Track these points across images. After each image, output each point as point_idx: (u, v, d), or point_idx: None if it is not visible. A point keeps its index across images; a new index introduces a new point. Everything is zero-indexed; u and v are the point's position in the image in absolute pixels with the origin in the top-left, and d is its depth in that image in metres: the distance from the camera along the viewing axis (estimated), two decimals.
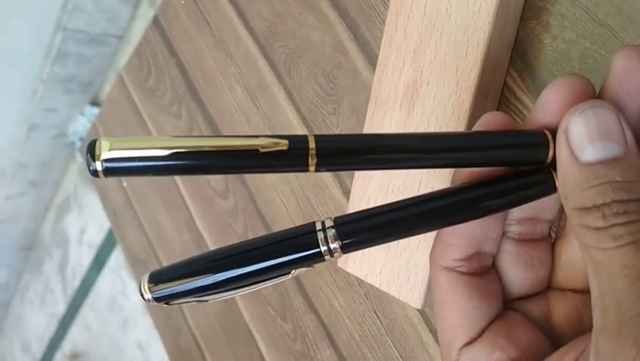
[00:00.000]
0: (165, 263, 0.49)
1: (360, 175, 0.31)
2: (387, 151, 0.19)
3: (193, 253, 0.46)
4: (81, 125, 1.63)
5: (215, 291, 0.19)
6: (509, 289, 0.23)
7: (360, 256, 0.31)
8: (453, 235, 0.22)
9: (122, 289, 1.62)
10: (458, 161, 0.20)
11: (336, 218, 0.19)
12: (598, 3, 0.26)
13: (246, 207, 0.42)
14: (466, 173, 0.20)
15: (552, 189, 0.19)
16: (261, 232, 0.41)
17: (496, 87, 0.28)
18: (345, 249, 0.19)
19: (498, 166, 0.20)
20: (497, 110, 0.29)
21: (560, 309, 0.22)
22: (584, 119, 0.18)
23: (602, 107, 0.18)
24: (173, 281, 0.19)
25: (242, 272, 0.19)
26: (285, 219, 0.39)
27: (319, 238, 0.19)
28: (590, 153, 0.17)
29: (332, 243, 0.19)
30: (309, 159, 0.18)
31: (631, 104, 0.18)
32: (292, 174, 0.39)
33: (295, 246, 0.19)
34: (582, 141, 0.17)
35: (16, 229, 1.87)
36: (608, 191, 0.17)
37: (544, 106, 0.19)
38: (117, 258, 1.62)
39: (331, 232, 0.19)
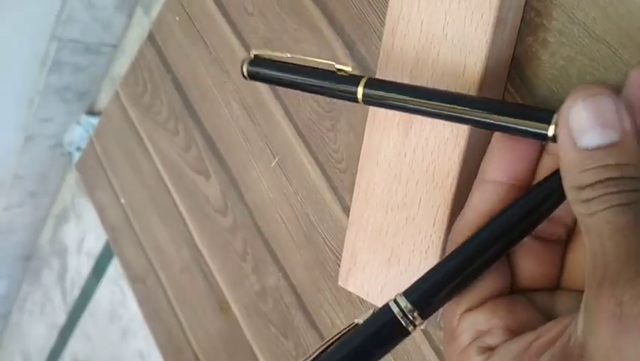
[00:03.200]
0: (164, 280, 0.49)
1: (359, 193, 0.31)
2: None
3: (193, 270, 0.46)
4: (78, 134, 1.62)
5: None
6: (518, 279, 0.24)
7: (361, 275, 0.31)
8: (476, 213, 0.24)
9: (122, 298, 1.61)
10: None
11: (405, 292, 0.22)
12: (595, 19, 0.26)
13: (245, 224, 0.42)
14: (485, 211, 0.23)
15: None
16: (261, 250, 0.41)
17: None
18: (425, 317, 0.22)
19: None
20: None
21: (564, 306, 0.23)
22: (583, 107, 0.19)
23: (601, 95, 0.19)
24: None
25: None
26: (285, 236, 0.39)
27: (398, 316, 0.22)
28: (587, 139, 0.19)
29: (412, 317, 0.22)
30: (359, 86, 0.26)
31: None
32: (290, 190, 0.39)
33: (379, 334, 0.22)
34: (581, 127, 0.19)
35: (14, 240, 1.87)
36: (602, 172, 0.18)
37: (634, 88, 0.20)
38: (116, 267, 1.62)
39: (407, 307, 0.22)
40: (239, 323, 0.43)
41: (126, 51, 1.52)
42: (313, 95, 0.37)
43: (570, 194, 0.19)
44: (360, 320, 0.23)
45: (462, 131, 0.27)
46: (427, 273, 0.23)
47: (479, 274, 0.22)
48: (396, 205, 0.29)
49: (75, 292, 1.82)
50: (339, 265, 0.36)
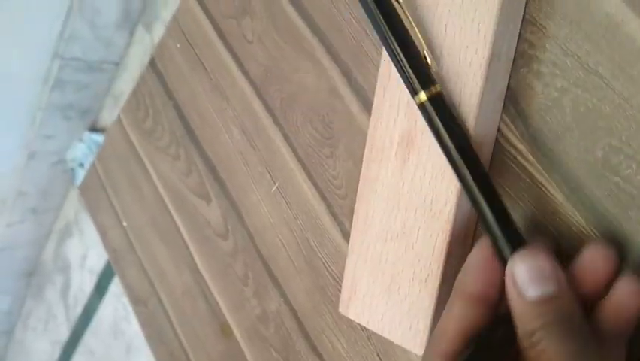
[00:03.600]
0: (166, 303, 0.49)
1: (358, 221, 0.32)
2: None
3: (194, 293, 0.46)
4: (80, 151, 1.63)
5: None
6: None
7: (361, 303, 0.31)
8: (453, 328, 0.26)
9: (125, 314, 1.61)
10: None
11: None
12: (589, 52, 0.26)
13: (245, 248, 0.42)
14: None
15: None
16: (262, 274, 0.41)
17: (489, 135, 0.28)
18: None
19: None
20: (492, 157, 0.29)
21: None
22: (525, 265, 0.24)
23: (538, 255, 0.24)
24: None
25: None
26: (285, 260, 0.39)
27: None
28: (531, 291, 0.23)
29: None
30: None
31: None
32: (290, 215, 0.39)
33: None
34: (524, 281, 0.23)
35: (17, 256, 1.87)
36: (545, 318, 0.23)
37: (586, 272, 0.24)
38: (119, 283, 1.62)
39: None
40: (240, 347, 0.43)
41: (128, 68, 1.54)
42: (311, 123, 0.37)
43: (521, 339, 0.23)
44: None
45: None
46: None
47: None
48: (395, 234, 0.30)
49: (78, 309, 1.82)
50: (339, 291, 0.37)
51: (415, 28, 0.27)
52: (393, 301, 0.30)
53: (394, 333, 0.30)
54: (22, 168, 1.60)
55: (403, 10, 0.27)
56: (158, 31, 1.45)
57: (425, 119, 0.27)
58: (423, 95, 0.26)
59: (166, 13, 1.43)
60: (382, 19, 0.27)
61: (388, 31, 0.27)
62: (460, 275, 0.26)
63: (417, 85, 0.26)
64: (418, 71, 0.26)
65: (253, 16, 0.39)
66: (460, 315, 0.25)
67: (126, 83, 1.55)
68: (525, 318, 0.23)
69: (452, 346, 0.25)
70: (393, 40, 0.27)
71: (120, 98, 1.57)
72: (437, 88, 0.26)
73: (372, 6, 0.27)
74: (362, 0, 0.28)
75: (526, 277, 0.23)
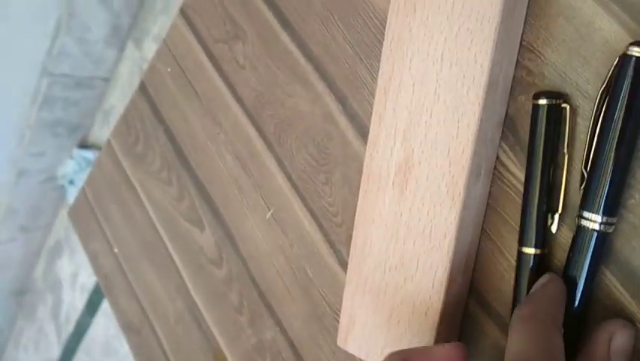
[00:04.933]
0: (159, 331, 0.48)
1: (356, 251, 0.31)
2: None
3: (188, 321, 0.45)
4: (70, 168, 1.62)
5: None
6: None
7: (360, 336, 0.31)
8: None
9: (117, 332, 1.59)
10: None
11: None
12: (588, 79, 0.26)
13: (240, 275, 0.41)
14: None
15: None
16: (257, 302, 0.40)
17: (488, 163, 0.28)
18: None
19: None
20: (491, 185, 0.28)
21: None
22: (624, 338, 0.24)
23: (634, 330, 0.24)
24: None
25: None
26: (281, 289, 0.39)
27: None
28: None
29: None
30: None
31: None
32: (286, 242, 0.38)
33: None
34: (618, 352, 0.24)
35: (7, 275, 1.84)
36: None
37: None
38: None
39: None
40: None
41: (118, 84, 1.53)
42: (306, 148, 0.36)
43: None
44: None
45: (457, 193, 0.27)
46: None
47: None
48: (394, 265, 0.29)
49: (70, 327, 1.79)
50: (337, 320, 0.36)
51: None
52: (393, 334, 0.29)
53: None
54: (12, 186, 1.58)
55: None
56: (148, 46, 1.44)
57: (520, 267, 0.26)
58: (529, 250, 0.26)
59: (155, 29, 1.42)
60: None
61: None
62: (544, 306, 0.25)
63: (530, 239, 0.26)
64: (539, 228, 0.26)
65: (245, 41, 0.39)
66: (561, 345, 0.24)
67: (116, 98, 1.54)
68: None
69: None
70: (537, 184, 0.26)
71: (110, 114, 1.56)
72: (544, 251, 0.26)
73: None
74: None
75: (621, 349, 0.24)
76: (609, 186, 0.23)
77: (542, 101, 0.25)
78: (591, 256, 0.24)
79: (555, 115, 0.25)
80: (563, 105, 0.25)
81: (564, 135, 0.26)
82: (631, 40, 0.24)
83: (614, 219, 0.24)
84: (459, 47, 0.26)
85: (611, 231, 0.24)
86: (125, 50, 1.49)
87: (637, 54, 0.23)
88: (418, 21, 0.27)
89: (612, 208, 0.24)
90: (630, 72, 0.23)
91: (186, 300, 0.45)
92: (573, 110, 0.26)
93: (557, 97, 0.25)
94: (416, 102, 0.27)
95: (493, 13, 0.25)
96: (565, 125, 0.25)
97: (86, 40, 1.41)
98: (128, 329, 0.51)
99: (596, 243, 0.24)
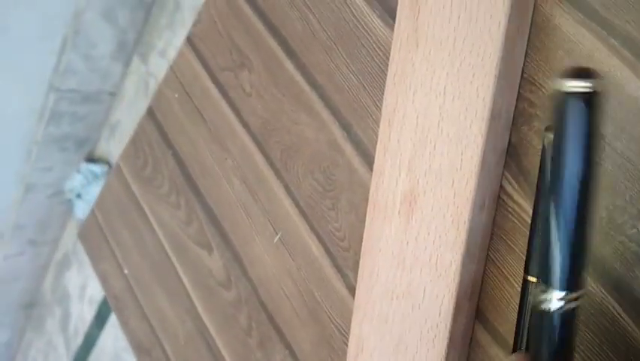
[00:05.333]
0: (170, 352, 0.49)
1: (363, 279, 0.31)
2: None
3: (197, 343, 0.46)
4: (77, 182, 1.63)
5: None
6: None
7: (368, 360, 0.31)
8: None
9: (126, 344, 1.59)
10: None
11: None
12: None
13: (249, 299, 0.42)
14: None
15: None
16: (266, 325, 0.41)
17: (492, 193, 0.28)
18: None
19: None
20: (496, 214, 0.29)
21: None
22: None
23: None
24: None
25: None
26: (289, 312, 0.39)
27: None
28: None
29: None
30: None
31: None
32: (293, 266, 0.39)
33: None
34: None
35: (16, 288, 1.86)
36: None
37: None
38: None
39: None
40: None
41: (124, 98, 1.54)
42: (312, 174, 0.37)
43: None
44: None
45: (462, 222, 0.27)
46: None
47: None
48: (401, 293, 0.30)
49: (78, 340, 1.80)
50: (345, 343, 0.36)
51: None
52: (401, 360, 0.30)
53: None
54: (20, 201, 1.60)
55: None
56: (154, 61, 1.45)
57: (524, 295, 0.25)
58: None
59: (161, 44, 1.44)
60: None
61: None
62: None
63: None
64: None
65: (251, 69, 0.39)
66: None
67: (123, 112, 1.55)
68: None
69: None
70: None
71: (116, 128, 1.57)
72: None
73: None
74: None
75: None
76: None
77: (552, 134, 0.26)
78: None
79: None
80: None
81: None
82: (631, 75, 0.25)
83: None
84: (461, 81, 0.27)
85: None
86: (131, 65, 1.51)
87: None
88: (420, 56, 0.28)
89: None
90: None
91: (196, 321, 0.46)
92: None
93: None
94: (420, 134, 0.28)
95: (494, 49, 0.26)
96: None
97: (92, 56, 1.42)
98: (139, 349, 0.52)
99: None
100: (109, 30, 1.41)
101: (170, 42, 1.41)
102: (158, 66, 1.43)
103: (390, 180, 0.29)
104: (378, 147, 0.30)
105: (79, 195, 1.65)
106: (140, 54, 1.48)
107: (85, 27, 1.35)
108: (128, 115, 1.52)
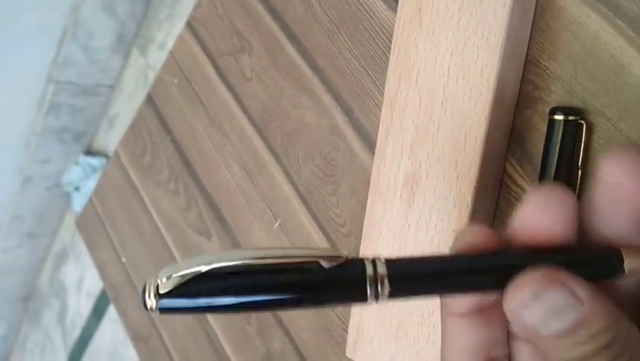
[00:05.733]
0: (168, 341, 0.48)
1: None
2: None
3: (196, 331, 0.46)
4: (76, 174, 1.62)
5: (231, 312, 0.18)
6: None
7: (368, 347, 0.31)
8: (458, 351, 0.21)
9: (123, 338, 1.59)
10: None
11: (387, 260, 0.18)
12: (594, 93, 0.26)
13: None
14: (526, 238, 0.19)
15: (621, 272, 0.18)
16: (266, 313, 0.40)
17: (496, 177, 0.28)
18: (393, 296, 0.18)
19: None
20: (498, 198, 0.29)
21: None
22: (534, 309, 0.18)
23: (550, 288, 0.17)
24: (184, 297, 0.17)
25: (269, 299, 0.17)
26: (299, 316, 0.39)
27: (368, 277, 0.17)
28: (549, 329, 0.18)
29: (381, 286, 0.17)
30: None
31: (619, 216, 0.18)
32: None
33: (339, 282, 0.18)
34: (537, 323, 0.18)
35: (13, 281, 1.85)
36: (578, 350, 0.17)
37: (522, 227, 0.19)
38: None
39: (382, 273, 0.17)
40: None
41: (123, 91, 1.53)
42: (313, 160, 0.37)
43: None
44: (325, 263, 0.18)
45: (465, 204, 0.27)
46: (420, 257, 0.20)
47: (472, 287, 0.19)
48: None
49: (76, 333, 1.80)
50: (345, 330, 0.36)
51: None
52: (402, 345, 0.30)
53: None
54: (18, 193, 1.59)
55: None
56: (153, 54, 1.45)
57: None
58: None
59: (160, 36, 1.43)
60: None
61: None
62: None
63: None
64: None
65: (251, 53, 0.39)
66: (456, 336, 0.21)
67: (121, 105, 1.55)
68: (549, 352, 0.18)
69: None
70: None
71: (115, 121, 1.57)
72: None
73: None
74: None
75: (540, 318, 0.18)
76: None
77: (559, 117, 0.25)
78: None
79: (571, 131, 0.25)
80: (580, 121, 0.26)
81: (579, 151, 0.26)
82: (636, 55, 0.24)
83: None
84: (465, 62, 0.26)
85: None
86: (130, 57, 1.50)
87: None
88: (424, 36, 0.27)
89: None
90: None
91: None
92: (589, 127, 0.26)
93: (574, 113, 0.25)
94: (423, 116, 0.28)
95: (499, 28, 0.25)
96: (580, 141, 0.26)
97: (91, 48, 1.42)
98: (137, 338, 0.51)
99: None
100: (108, 22, 1.40)
101: (169, 34, 1.40)
102: (158, 59, 1.42)
103: (392, 163, 0.29)
104: (380, 129, 0.29)
105: (77, 188, 1.64)
106: (139, 46, 1.47)
107: (84, 18, 1.35)
108: (127, 108, 1.52)
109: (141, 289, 0.17)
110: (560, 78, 0.27)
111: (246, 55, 0.39)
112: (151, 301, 0.17)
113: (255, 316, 0.41)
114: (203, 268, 0.17)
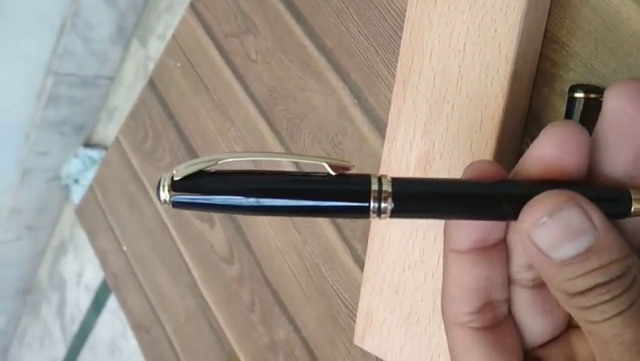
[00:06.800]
0: (169, 330, 0.48)
1: (374, 248, 0.30)
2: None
3: (198, 320, 0.45)
4: (75, 167, 1.61)
5: (241, 213, 0.18)
6: (530, 337, 0.22)
7: (378, 334, 0.30)
8: (459, 288, 0.21)
9: (122, 331, 1.59)
10: None
11: (394, 179, 0.18)
12: (615, 71, 0.25)
13: (252, 273, 0.40)
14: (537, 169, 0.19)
15: (627, 212, 0.18)
16: (269, 300, 0.39)
17: (511, 158, 0.27)
18: (395, 214, 0.18)
19: None
20: None
21: (583, 350, 0.21)
22: (549, 227, 0.17)
23: (567, 208, 0.17)
24: (196, 192, 0.18)
25: (279, 204, 0.18)
26: (294, 287, 0.38)
27: (372, 192, 0.18)
28: (561, 253, 0.17)
29: (384, 203, 0.18)
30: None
31: (624, 147, 0.18)
32: (299, 239, 0.38)
33: (344, 191, 0.18)
34: (550, 245, 0.17)
35: (12, 274, 1.84)
36: (589, 279, 0.17)
37: (534, 161, 0.18)
38: (116, 300, 1.60)
39: (387, 190, 0.18)
40: None
41: (123, 83, 1.52)
42: (320, 144, 0.36)
43: (560, 298, 0.18)
44: (331, 171, 0.18)
45: None
46: (427, 178, 0.20)
47: (477, 212, 0.19)
48: (413, 261, 0.28)
49: (75, 326, 1.79)
50: (352, 318, 0.35)
51: None
52: (413, 332, 0.29)
53: None
54: (17, 185, 1.58)
55: None
56: (153, 45, 1.43)
57: None
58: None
59: (160, 27, 1.42)
60: None
61: None
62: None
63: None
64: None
65: (257, 35, 0.38)
66: (460, 273, 0.21)
67: (121, 97, 1.54)
68: (556, 280, 0.18)
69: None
70: None
71: (115, 113, 1.56)
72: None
73: None
74: None
75: (553, 239, 0.17)
76: None
77: (579, 95, 0.24)
78: None
79: (591, 109, 0.25)
80: (601, 99, 0.25)
81: None
82: None
83: None
84: (482, 38, 0.25)
85: None
86: (130, 49, 1.49)
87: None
88: (439, 11, 0.26)
89: None
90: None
91: (197, 298, 0.45)
92: None
93: (594, 91, 0.25)
94: (437, 95, 0.27)
95: (518, 2, 0.24)
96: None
97: (91, 39, 1.41)
98: (137, 327, 0.51)
99: None
100: (108, 12, 1.39)
101: (169, 25, 1.39)
102: (158, 50, 1.41)
103: (404, 144, 0.28)
104: (392, 109, 0.28)
105: (76, 181, 1.63)
106: (139, 37, 1.46)
107: (84, 9, 1.33)
108: (127, 100, 1.51)
109: (156, 183, 0.18)
110: (580, 55, 0.26)
111: (251, 36, 0.38)
112: (164, 195, 0.18)
113: (258, 303, 0.40)
114: (218, 162, 0.18)
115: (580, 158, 0.18)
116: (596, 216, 0.17)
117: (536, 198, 0.17)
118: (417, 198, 0.18)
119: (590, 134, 0.19)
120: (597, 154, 0.19)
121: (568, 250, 0.17)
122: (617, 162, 0.18)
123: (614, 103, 0.18)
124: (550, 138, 0.18)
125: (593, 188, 0.18)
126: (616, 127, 0.18)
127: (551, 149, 0.18)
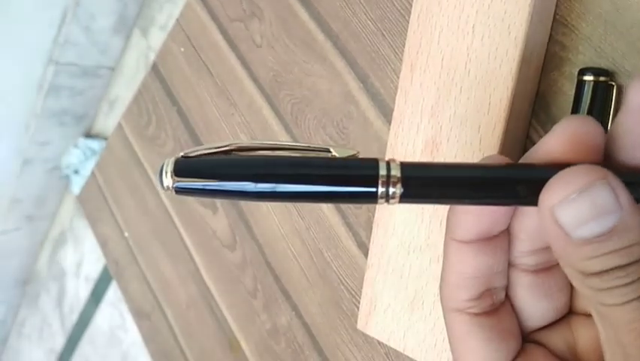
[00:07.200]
0: (171, 316, 0.47)
1: (378, 232, 0.30)
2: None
3: (200, 306, 0.45)
4: (75, 157, 1.61)
5: (246, 199, 0.18)
6: (528, 320, 0.22)
7: (382, 319, 0.30)
8: (459, 276, 0.20)
9: (121, 322, 1.59)
10: None
11: (402, 163, 0.18)
12: (624, 54, 0.25)
13: (254, 259, 0.40)
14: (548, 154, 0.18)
15: None
16: (272, 286, 0.39)
17: (519, 141, 0.27)
18: (404, 199, 0.17)
19: None
20: None
21: (585, 335, 0.21)
22: (576, 204, 0.16)
23: (594, 187, 0.16)
24: (202, 178, 0.17)
25: (284, 190, 0.17)
26: (297, 273, 0.38)
27: (380, 177, 0.17)
28: (583, 231, 0.16)
29: (393, 188, 0.17)
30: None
31: None
32: (302, 225, 0.38)
33: (352, 177, 0.18)
34: (573, 223, 0.16)
35: (12, 264, 1.84)
36: (608, 260, 0.16)
37: (547, 154, 0.18)
38: (115, 291, 1.60)
39: (395, 175, 0.17)
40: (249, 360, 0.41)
41: (124, 73, 1.52)
42: (324, 129, 0.36)
43: (575, 280, 0.17)
44: (337, 154, 0.18)
45: None
46: (436, 163, 0.19)
47: (487, 197, 0.18)
48: (418, 246, 0.28)
49: (74, 317, 1.79)
50: (355, 304, 0.35)
51: None
52: (417, 317, 0.29)
53: (417, 351, 0.29)
54: (17, 175, 1.58)
55: None
56: (154, 35, 1.43)
57: None
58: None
59: (162, 18, 1.41)
60: None
61: None
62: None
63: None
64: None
65: (262, 19, 0.38)
66: (460, 262, 0.20)
67: (122, 88, 1.53)
68: (574, 259, 0.17)
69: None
70: None
71: (116, 104, 1.55)
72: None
73: None
74: None
75: (578, 217, 0.16)
76: None
77: (588, 78, 0.24)
78: None
79: (600, 93, 0.24)
80: (610, 83, 0.24)
81: (608, 114, 0.24)
82: None
83: None
84: (491, 19, 0.25)
85: None
86: (131, 39, 1.48)
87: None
88: None
89: None
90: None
91: (199, 284, 0.45)
92: (619, 89, 0.25)
93: (604, 74, 0.24)
94: (445, 77, 0.27)
95: None
96: (610, 103, 0.24)
97: (93, 29, 1.40)
98: (138, 314, 0.50)
99: None
100: (110, 2, 1.38)
101: (171, 16, 1.38)
102: (159, 40, 1.40)
103: (410, 127, 0.28)
104: (399, 92, 0.28)
105: (76, 171, 1.63)
106: (140, 28, 1.45)
107: None
108: (128, 91, 1.50)
109: (158, 169, 0.18)
110: (589, 38, 0.26)
111: (255, 20, 0.38)
112: (167, 181, 0.17)
113: (261, 290, 0.40)
114: (221, 149, 0.18)
115: (595, 157, 0.17)
116: (623, 195, 0.16)
117: (565, 172, 0.16)
118: (426, 182, 0.18)
119: (600, 119, 0.18)
120: (614, 148, 0.18)
121: (592, 229, 0.16)
122: (637, 157, 0.18)
123: (634, 98, 0.17)
124: (564, 134, 0.17)
125: (615, 169, 0.18)
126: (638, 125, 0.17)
127: (566, 146, 0.17)
